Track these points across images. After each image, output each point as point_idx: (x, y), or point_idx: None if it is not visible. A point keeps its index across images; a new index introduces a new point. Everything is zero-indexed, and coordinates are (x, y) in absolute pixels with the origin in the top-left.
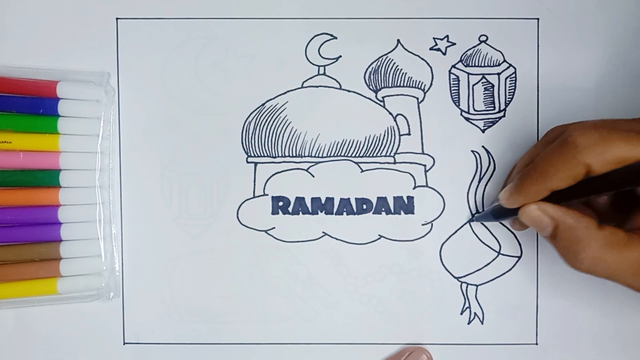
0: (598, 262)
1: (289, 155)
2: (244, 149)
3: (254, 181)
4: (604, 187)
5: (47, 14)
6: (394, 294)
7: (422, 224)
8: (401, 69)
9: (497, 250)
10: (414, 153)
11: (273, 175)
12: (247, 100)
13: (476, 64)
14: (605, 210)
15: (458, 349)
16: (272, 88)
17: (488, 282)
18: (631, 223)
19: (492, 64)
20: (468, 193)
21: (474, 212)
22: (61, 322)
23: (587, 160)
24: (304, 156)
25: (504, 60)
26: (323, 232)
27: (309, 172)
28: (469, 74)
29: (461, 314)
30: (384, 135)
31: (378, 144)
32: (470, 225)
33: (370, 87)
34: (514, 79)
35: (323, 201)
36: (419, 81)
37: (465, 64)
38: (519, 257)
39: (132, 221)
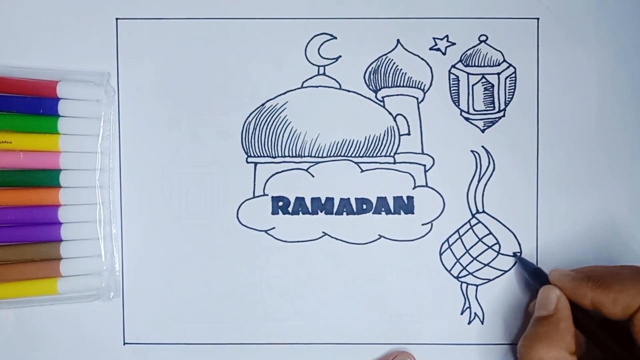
0: None
1: (288, 155)
2: (243, 149)
3: (254, 181)
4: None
5: (47, 14)
6: (394, 294)
7: (422, 224)
8: (401, 69)
9: (497, 250)
10: (413, 153)
11: (273, 175)
12: (247, 100)
13: (476, 64)
14: None
15: (458, 349)
16: (272, 88)
17: (488, 282)
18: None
19: (492, 64)
20: (468, 193)
21: (473, 212)
22: (61, 322)
23: None
24: (304, 156)
25: (504, 60)
26: (323, 232)
27: (309, 172)
28: (468, 74)
29: (461, 314)
30: (384, 135)
31: (378, 144)
32: (472, 227)
33: (370, 87)
34: (513, 78)
35: (323, 201)
36: (419, 81)
37: (465, 63)
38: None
39: (132, 221)
